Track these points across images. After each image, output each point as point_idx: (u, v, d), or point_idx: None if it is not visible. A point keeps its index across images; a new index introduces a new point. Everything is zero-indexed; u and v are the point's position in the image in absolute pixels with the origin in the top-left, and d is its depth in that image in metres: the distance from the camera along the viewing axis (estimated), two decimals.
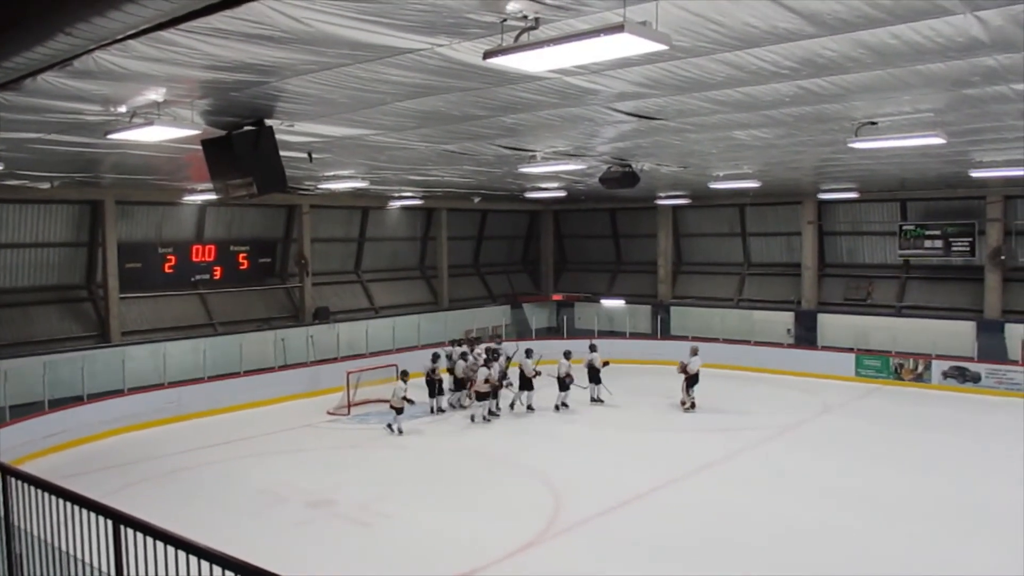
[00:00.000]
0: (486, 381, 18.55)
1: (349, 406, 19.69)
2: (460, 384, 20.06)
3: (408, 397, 17.67)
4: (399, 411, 17.68)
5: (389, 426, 17.70)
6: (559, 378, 19.44)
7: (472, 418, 18.68)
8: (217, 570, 3.94)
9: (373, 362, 21.77)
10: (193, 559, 4.11)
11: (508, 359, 20.24)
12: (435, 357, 19.98)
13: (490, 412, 18.94)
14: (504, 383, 19.20)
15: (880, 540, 11.18)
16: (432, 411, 19.45)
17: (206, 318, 23.22)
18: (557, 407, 19.48)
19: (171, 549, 4.26)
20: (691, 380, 18.95)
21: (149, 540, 4.48)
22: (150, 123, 8.22)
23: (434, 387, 19.67)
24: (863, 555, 10.66)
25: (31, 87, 6.84)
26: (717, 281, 29.72)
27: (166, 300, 22.53)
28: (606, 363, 20.32)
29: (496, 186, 21.67)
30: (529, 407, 19.60)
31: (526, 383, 19.59)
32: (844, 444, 16.45)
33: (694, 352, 19.42)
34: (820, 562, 10.44)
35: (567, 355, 19.68)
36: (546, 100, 8.55)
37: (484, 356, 20.14)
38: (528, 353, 19.91)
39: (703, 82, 7.63)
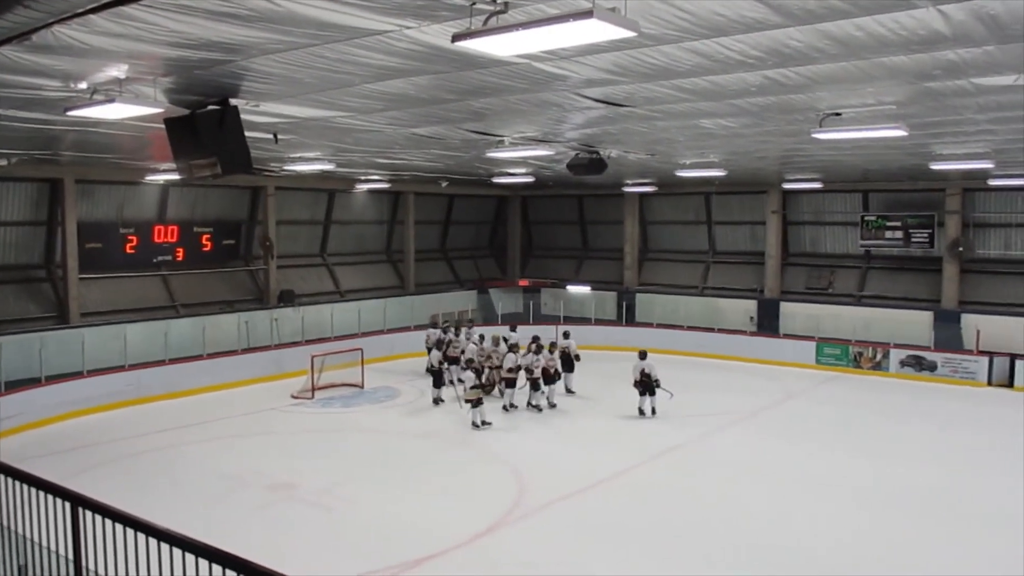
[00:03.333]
0: (515, 368, 17.82)
1: (313, 390, 19.58)
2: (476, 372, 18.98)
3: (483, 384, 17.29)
4: (477, 403, 16.60)
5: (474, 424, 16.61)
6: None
7: (505, 408, 17.87)
8: (177, 552, 3.92)
9: (338, 346, 21.65)
10: (152, 541, 4.08)
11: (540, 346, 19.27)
12: (440, 343, 19.43)
13: (511, 404, 17.95)
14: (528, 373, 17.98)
15: (839, 522, 11.40)
16: (436, 402, 18.68)
17: (168, 300, 22.92)
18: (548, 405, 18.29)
19: (130, 532, 4.23)
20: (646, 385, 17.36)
21: (108, 523, 4.43)
22: (111, 100, 8.07)
23: (440, 377, 18.88)
24: (820, 536, 10.87)
25: None
26: (682, 268, 29.98)
27: (127, 281, 22.18)
28: (577, 356, 19.73)
29: (464, 171, 21.60)
30: (569, 390, 19.26)
31: (568, 365, 19.30)
32: (805, 430, 16.72)
33: (566, 336, 19.93)
34: (777, 543, 10.62)
35: (565, 335, 19.56)
36: (514, 85, 8.54)
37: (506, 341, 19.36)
38: (566, 335, 19.82)
39: (671, 70, 7.67)
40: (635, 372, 17.24)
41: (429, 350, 20.09)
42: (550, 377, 18.17)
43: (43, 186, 20.13)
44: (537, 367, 17.78)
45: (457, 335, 20.95)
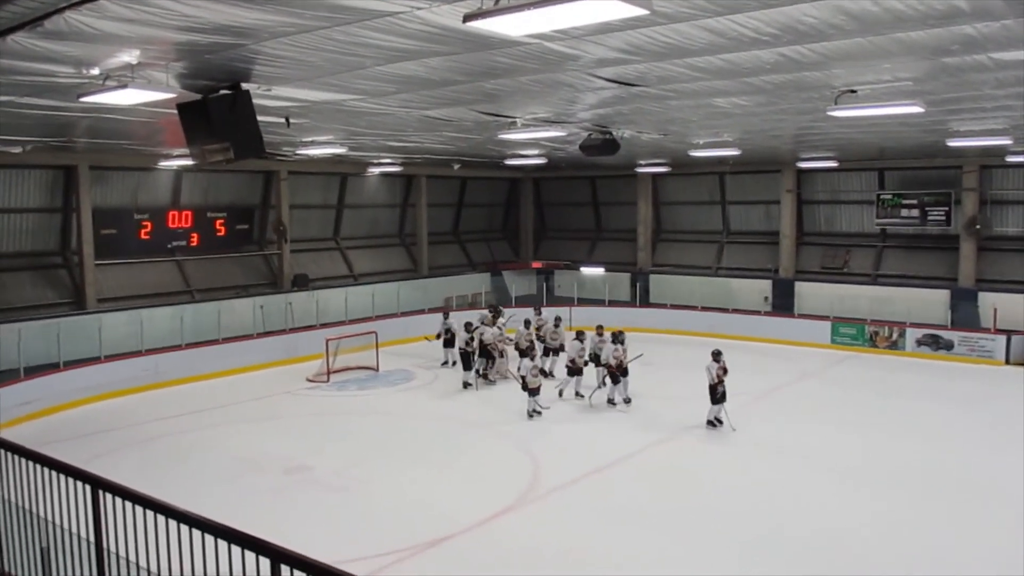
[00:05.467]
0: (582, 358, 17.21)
1: (328, 373, 19.67)
2: (486, 354, 18.97)
3: (546, 370, 16.74)
4: (534, 391, 15.95)
5: (529, 413, 15.98)
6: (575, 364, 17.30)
7: (560, 393, 17.34)
8: (196, 533, 3.96)
9: (352, 329, 21.74)
10: (172, 523, 4.12)
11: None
12: (468, 326, 19.00)
13: (622, 397, 16.89)
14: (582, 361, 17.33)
15: (853, 502, 11.39)
16: (464, 386, 18.61)
17: (183, 285, 23.06)
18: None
19: (150, 513, 4.27)
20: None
21: (128, 505, 4.48)
22: (124, 86, 8.07)
23: (469, 359, 18.76)
24: (838, 518, 10.86)
25: (0, 48, 6.70)
26: (696, 249, 29.85)
27: (142, 267, 22.33)
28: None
29: (476, 153, 21.55)
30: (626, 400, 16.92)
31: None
32: (819, 410, 16.66)
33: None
34: (795, 525, 10.62)
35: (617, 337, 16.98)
36: (526, 66, 8.48)
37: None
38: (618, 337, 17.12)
39: (684, 48, 7.59)
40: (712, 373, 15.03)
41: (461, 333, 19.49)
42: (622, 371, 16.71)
43: (58, 173, 20.24)
44: (618, 358, 16.53)
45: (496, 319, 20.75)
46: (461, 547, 10.02)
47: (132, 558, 4.77)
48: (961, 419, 16.04)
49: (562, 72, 8.93)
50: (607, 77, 9.27)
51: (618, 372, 16.61)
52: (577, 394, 17.38)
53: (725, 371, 14.88)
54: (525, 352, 17.76)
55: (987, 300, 22.42)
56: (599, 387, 17.21)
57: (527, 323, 20.11)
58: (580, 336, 17.53)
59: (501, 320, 20.78)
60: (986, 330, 21.67)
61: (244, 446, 14.47)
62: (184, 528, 4.07)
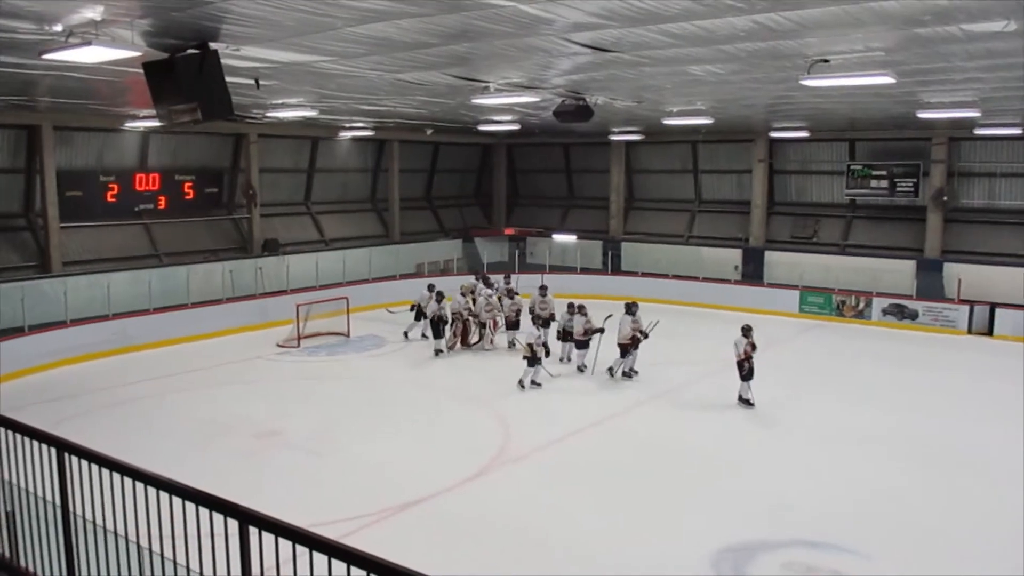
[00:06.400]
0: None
1: (299, 338, 19.60)
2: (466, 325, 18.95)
3: (545, 343, 16.27)
4: (533, 361, 15.68)
5: (521, 383, 15.76)
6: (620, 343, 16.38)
7: (611, 372, 16.43)
8: (164, 495, 3.94)
9: (323, 295, 21.63)
10: (140, 486, 4.10)
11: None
12: (440, 296, 18.79)
13: (632, 368, 16.56)
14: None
15: (819, 463, 11.62)
16: (436, 353, 18.50)
17: (151, 249, 22.77)
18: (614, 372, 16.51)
19: (117, 477, 4.24)
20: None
21: (95, 468, 4.45)
22: (87, 43, 7.84)
23: (439, 328, 18.61)
24: (798, 477, 11.09)
25: None
26: (668, 217, 29.96)
27: (109, 230, 21.99)
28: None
29: (449, 118, 21.37)
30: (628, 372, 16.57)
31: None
32: (783, 377, 16.86)
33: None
34: (766, 490, 10.81)
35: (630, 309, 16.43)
36: (500, 29, 8.38)
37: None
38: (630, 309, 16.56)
39: (659, 14, 7.55)
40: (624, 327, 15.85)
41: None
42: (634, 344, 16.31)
43: (20, 133, 19.79)
44: (636, 329, 16.17)
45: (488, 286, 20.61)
46: (431, 511, 10.10)
47: (99, 521, 4.75)
48: (923, 387, 16.35)
49: (536, 36, 8.84)
50: (581, 42, 9.20)
51: (631, 345, 16.20)
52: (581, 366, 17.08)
53: (754, 347, 14.52)
54: (515, 323, 18.40)
55: (952, 271, 22.78)
56: (562, 359, 17.34)
57: (508, 292, 20.04)
58: (582, 309, 17.02)
59: (487, 291, 20.13)
60: (950, 300, 22.05)
61: (214, 411, 14.41)
62: (152, 491, 4.05)
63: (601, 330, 16.69)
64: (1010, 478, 11.13)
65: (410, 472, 11.35)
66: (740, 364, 14.58)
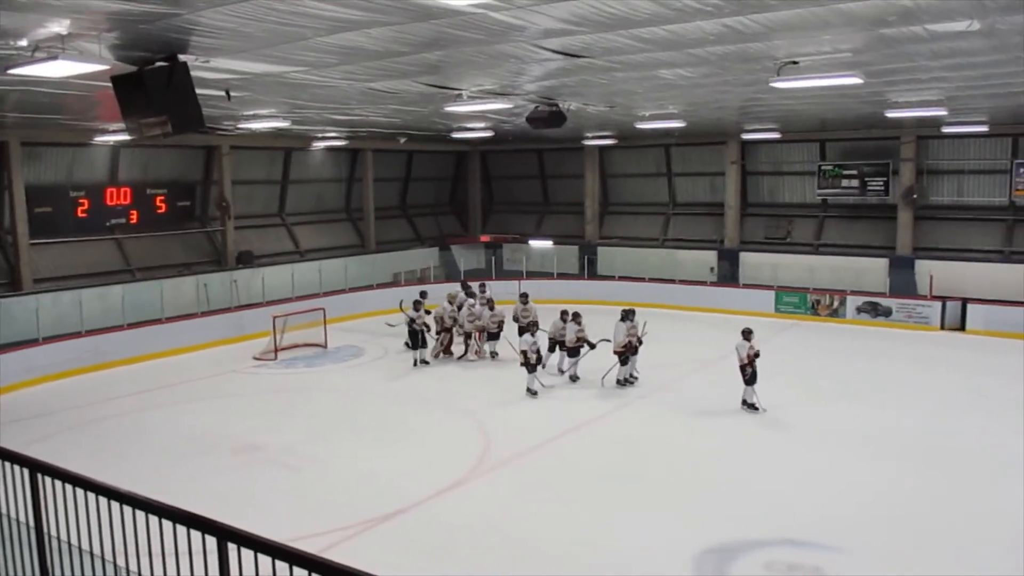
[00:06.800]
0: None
1: (276, 351, 19.44)
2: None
3: (538, 350, 15.82)
4: (530, 367, 15.63)
5: (529, 391, 15.65)
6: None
7: (620, 382, 16.18)
8: (140, 514, 3.89)
9: (299, 306, 21.49)
10: (115, 505, 4.04)
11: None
12: (418, 304, 18.24)
13: (631, 375, 16.37)
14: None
15: (792, 461, 11.70)
16: (415, 364, 18.21)
17: (123, 264, 22.53)
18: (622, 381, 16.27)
19: (91, 496, 4.17)
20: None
21: (69, 488, 4.37)
22: (54, 58, 7.76)
23: (417, 337, 18.18)
24: (780, 476, 11.15)
25: None
26: (643, 221, 30.11)
27: (80, 246, 21.74)
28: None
29: (422, 126, 21.34)
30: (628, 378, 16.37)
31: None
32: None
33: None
34: (745, 492, 10.86)
35: (629, 314, 16.29)
36: (471, 36, 8.39)
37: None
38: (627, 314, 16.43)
39: (629, 19, 7.59)
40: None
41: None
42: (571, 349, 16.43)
43: None
44: (631, 335, 16.05)
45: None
46: (411, 522, 10.03)
47: (75, 542, 4.67)
48: (901, 382, 16.51)
49: (507, 43, 8.86)
50: (553, 48, 9.23)
51: (628, 352, 16.05)
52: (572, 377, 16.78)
53: (756, 354, 14.27)
54: (496, 334, 18.21)
55: (923, 268, 23.06)
56: (561, 370, 16.98)
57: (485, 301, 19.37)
58: (576, 317, 16.73)
59: (470, 301, 19.52)
60: (923, 297, 22.31)
61: (191, 426, 14.25)
62: (127, 510, 3.99)
63: (593, 345, 16.44)
64: (995, 470, 11.31)
65: (391, 483, 11.28)
66: (743, 368, 14.34)
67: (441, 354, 18.88)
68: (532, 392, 15.59)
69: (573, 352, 16.60)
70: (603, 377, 16.13)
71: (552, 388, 16.10)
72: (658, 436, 13.36)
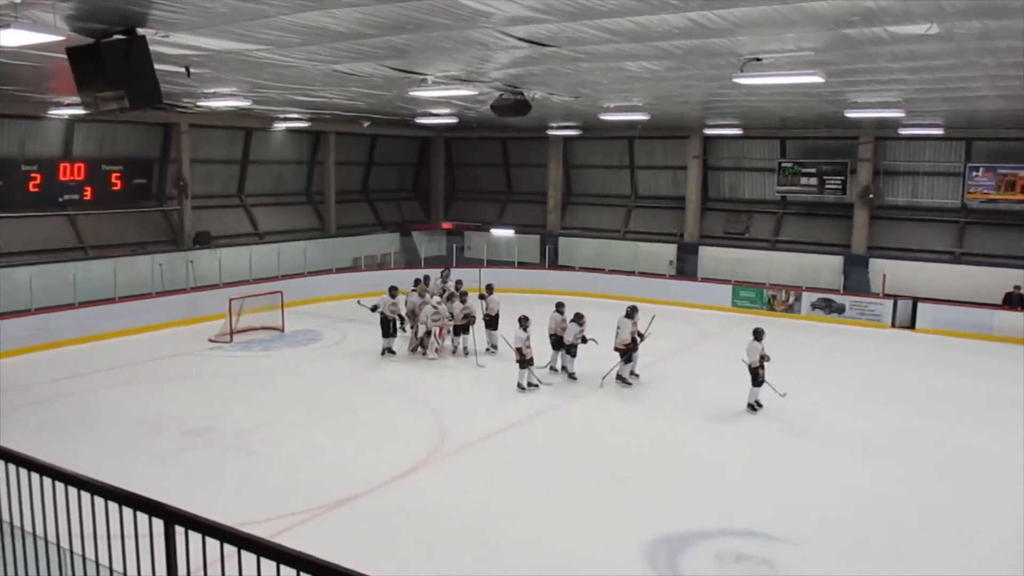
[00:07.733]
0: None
1: (231, 333, 19.21)
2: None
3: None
4: (524, 363, 15.31)
5: (520, 386, 15.35)
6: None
7: (619, 379, 15.83)
8: (86, 496, 3.81)
9: (256, 288, 21.25)
10: (60, 486, 3.96)
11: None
12: (393, 291, 18.09)
13: (632, 372, 16.10)
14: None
15: (755, 454, 11.88)
16: (383, 353, 17.77)
17: (76, 241, 22.05)
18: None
19: (35, 477, 4.09)
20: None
21: (12, 468, 4.27)
22: (6, 26, 7.53)
23: (388, 327, 17.83)
24: (735, 467, 11.32)
25: None
26: (605, 212, 30.23)
27: (31, 221, 21.18)
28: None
29: (386, 110, 21.17)
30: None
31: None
32: (711, 370, 17.15)
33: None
34: (697, 482, 11.00)
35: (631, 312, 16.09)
36: (437, 21, 8.32)
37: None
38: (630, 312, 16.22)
39: (595, 9, 7.59)
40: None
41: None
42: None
43: None
44: (633, 332, 15.81)
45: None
46: (364, 507, 10.00)
47: (18, 523, 4.58)
48: (848, 377, 16.84)
49: (474, 29, 8.81)
50: (519, 36, 9.19)
51: (631, 349, 15.82)
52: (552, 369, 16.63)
53: (767, 357, 14.09)
54: (464, 327, 17.69)
55: (877, 266, 23.53)
56: (555, 368, 16.59)
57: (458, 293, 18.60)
58: (579, 318, 16.26)
59: (436, 299, 18.58)
60: (875, 295, 22.75)
61: (144, 408, 14.03)
62: (72, 491, 3.91)
63: (585, 340, 16.09)
64: (943, 463, 11.58)
65: (343, 469, 11.22)
66: (755, 371, 14.09)
67: (419, 348, 17.97)
68: (522, 387, 15.31)
69: (572, 350, 16.23)
70: (603, 378, 15.83)
71: (551, 386, 15.67)
72: (615, 427, 13.48)
